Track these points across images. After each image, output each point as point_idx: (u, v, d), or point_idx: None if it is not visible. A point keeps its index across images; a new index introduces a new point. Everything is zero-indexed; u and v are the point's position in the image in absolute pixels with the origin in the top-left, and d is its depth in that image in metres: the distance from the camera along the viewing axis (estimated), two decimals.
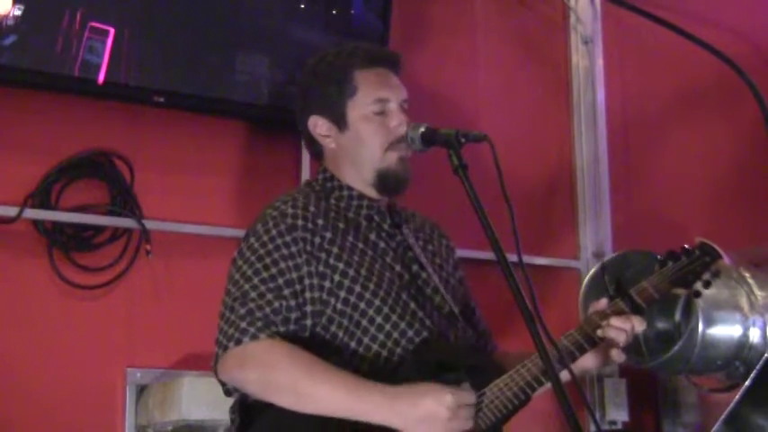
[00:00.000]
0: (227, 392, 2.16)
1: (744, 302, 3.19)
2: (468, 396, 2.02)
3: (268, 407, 2.05)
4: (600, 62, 4.05)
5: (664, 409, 3.69)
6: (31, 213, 2.89)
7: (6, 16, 2.73)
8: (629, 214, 3.96)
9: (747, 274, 3.23)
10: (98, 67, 2.87)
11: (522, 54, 3.94)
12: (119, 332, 2.99)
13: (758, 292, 3.20)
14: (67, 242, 2.95)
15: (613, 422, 3.71)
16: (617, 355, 2.21)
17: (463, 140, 2.08)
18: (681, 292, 2.32)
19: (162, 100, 3.00)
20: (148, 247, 3.01)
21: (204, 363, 2.99)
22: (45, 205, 2.91)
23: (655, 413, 3.74)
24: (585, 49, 4.03)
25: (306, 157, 3.21)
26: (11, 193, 2.88)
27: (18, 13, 2.75)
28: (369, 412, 1.99)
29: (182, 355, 3.04)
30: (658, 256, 2.32)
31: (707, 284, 2.31)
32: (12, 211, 2.85)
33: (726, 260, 2.34)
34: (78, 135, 3.00)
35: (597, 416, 3.66)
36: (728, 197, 3.75)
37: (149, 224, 3.03)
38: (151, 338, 3.03)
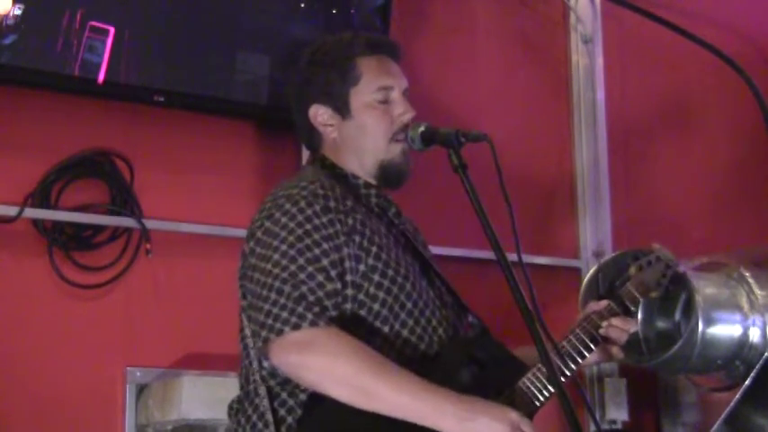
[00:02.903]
0: (260, 379, 2.09)
1: (744, 302, 3.19)
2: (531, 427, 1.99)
3: (311, 415, 2.02)
4: (600, 62, 4.05)
5: (664, 409, 3.69)
6: (30, 213, 2.89)
7: (6, 16, 2.73)
8: (629, 214, 3.96)
9: (747, 274, 3.24)
10: (98, 67, 2.87)
11: (522, 54, 3.94)
12: (119, 331, 2.99)
13: (758, 292, 3.20)
14: (67, 242, 2.95)
15: (613, 422, 3.71)
16: (617, 353, 2.28)
17: (463, 140, 2.07)
18: (654, 295, 2.39)
19: (162, 99, 3.00)
20: (148, 246, 3.01)
21: (204, 362, 3.01)
22: (45, 205, 2.91)
23: (655, 413, 3.74)
24: (585, 49, 4.03)
25: (306, 156, 3.20)
26: (11, 193, 2.88)
27: (18, 12, 2.75)
28: (433, 416, 1.94)
29: (181, 355, 3.04)
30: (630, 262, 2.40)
31: (667, 290, 2.42)
32: (12, 211, 2.84)
33: (680, 268, 2.47)
34: (78, 135, 3.00)
35: (597, 415, 3.66)
36: (728, 197, 3.74)
37: (149, 224, 3.03)
38: (151, 338, 3.03)
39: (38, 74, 2.81)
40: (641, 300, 2.33)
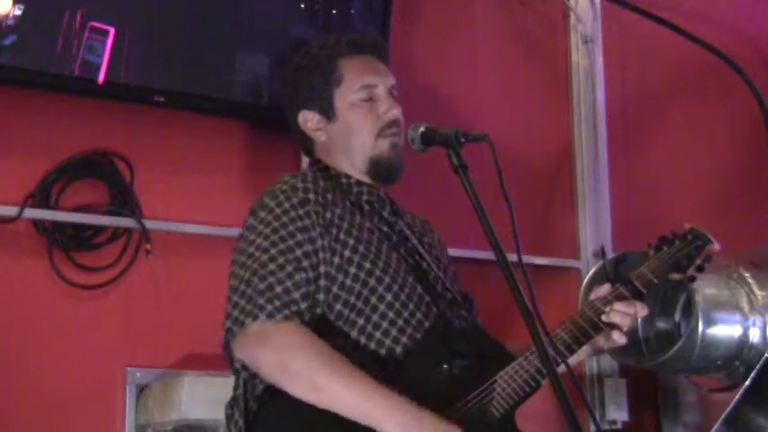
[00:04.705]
0: (236, 371, 2.12)
1: (744, 302, 3.19)
2: None
3: (274, 402, 2.02)
4: (600, 62, 4.05)
5: (664, 409, 3.69)
6: (31, 213, 2.89)
7: (6, 16, 2.73)
8: (629, 214, 3.96)
9: (747, 274, 3.24)
10: (98, 67, 2.87)
11: (522, 54, 3.94)
12: (119, 332, 2.99)
13: (758, 292, 3.21)
14: (67, 242, 2.95)
15: (613, 422, 3.71)
16: (619, 337, 2.22)
17: (463, 140, 2.07)
18: (676, 276, 2.32)
19: (162, 100, 3.00)
20: (148, 246, 3.01)
21: (204, 363, 3.00)
22: (45, 205, 2.91)
23: (655, 413, 3.74)
24: (585, 49, 4.03)
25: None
26: (11, 193, 2.88)
27: (18, 13, 2.75)
28: (379, 418, 1.94)
29: (181, 355, 3.04)
30: (650, 243, 2.33)
31: (700, 269, 2.34)
32: (12, 211, 2.85)
33: (716, 246, 2.35)
34: (78, 135, 3.00)
35: (597, 416, 3.66)
36: (728, 197, 3.75)
37: (149, 224, 3.03)
38: (151, 338, 3.02)
39: (38, 74, 2.81)
40: (656, 282, 2.25)
